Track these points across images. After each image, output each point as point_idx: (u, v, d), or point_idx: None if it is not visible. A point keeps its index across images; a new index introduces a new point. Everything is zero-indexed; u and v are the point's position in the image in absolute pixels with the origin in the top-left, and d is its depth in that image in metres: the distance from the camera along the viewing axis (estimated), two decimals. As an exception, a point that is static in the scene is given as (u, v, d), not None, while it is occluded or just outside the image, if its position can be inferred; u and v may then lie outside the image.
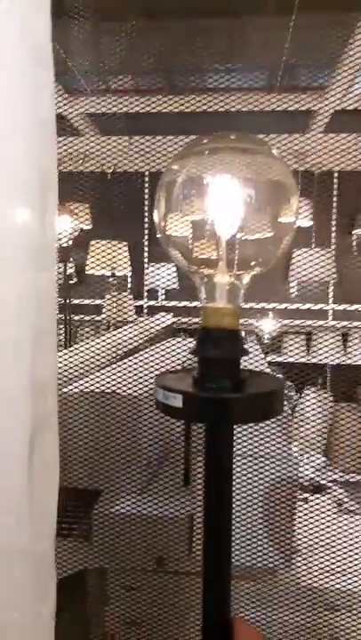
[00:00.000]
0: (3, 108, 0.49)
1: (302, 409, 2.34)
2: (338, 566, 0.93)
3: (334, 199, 3.12)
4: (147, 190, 3.16)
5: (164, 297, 3.18)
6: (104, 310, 2.71)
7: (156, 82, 3.10)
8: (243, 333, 0.60)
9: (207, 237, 0.58)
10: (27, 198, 0.50)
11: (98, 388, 0.97)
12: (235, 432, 0.59)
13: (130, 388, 0.96)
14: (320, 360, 3.10)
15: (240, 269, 0.59)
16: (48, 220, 0.51)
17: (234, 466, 0.59)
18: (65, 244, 2.04)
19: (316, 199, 2.98)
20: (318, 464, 1.57)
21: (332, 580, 0.92)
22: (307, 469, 1.44)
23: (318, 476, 1.43)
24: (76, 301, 3.07)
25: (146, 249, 3.26)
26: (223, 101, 2.87)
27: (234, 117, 2.54)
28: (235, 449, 0.58)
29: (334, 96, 2.48)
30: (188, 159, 0.59)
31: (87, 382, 1.04)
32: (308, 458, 1.60)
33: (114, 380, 1.02)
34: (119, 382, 1.01)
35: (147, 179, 3.19)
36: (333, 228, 3.10)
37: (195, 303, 3.25)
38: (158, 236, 0.60)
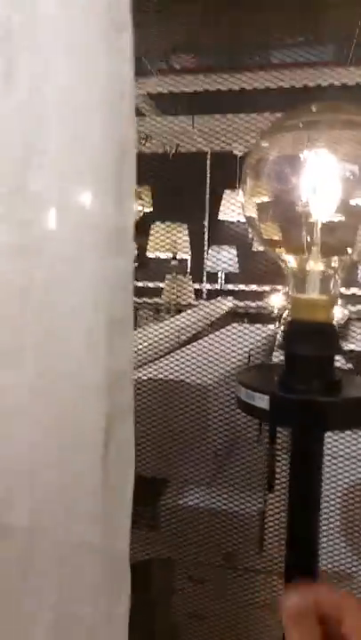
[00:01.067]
0: (82, 76, 0.46)
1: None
2: None
3: None
4: (208, 171, 3.09)
5: (223, 280, 3.13)
6: (164, 293, 2.69)
7: (219, 60, 3.01)
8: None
9: (301, 220, 0.53)
10: (105, 178, 0.47)
11: (165, 375, 0.95)
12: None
13: (197, 377, 0.93)
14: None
15: (335, 255, 0.53)
16: (126, 202, 0.48)
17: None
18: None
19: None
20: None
21: None
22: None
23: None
24: (137, 284, 3.06)
25: (206, 232, 3.20)
26: (289, 77, 2.75)
27: (301, 93, 2.42)
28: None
29: None
30: (278, 135, 0.54)
31: (152, 369, 1.01)
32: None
33: (180, 367, 0.99)
34: (186, 370, 0.98)
35: (208, 159, 3.13)
36: None
37: (253, 287, 3.17)
38: (245, 216, 0.56)
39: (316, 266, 0.53)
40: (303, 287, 0.54)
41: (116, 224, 0.48)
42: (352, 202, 0.52)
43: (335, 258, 0.54)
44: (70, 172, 0.47)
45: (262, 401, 0.50)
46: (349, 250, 0.54)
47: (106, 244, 0.48)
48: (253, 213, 0.55)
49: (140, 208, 2.60)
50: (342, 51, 2.73)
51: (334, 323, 0.52)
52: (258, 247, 2.72)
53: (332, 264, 0.54)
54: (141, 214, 2.42)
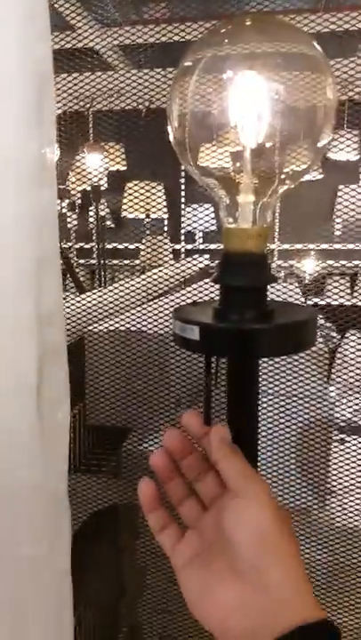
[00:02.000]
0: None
1: (344, 353, 2.27)
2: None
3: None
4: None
5: (201, 240, 3.11)
6: (140, 254, 2.67)
7: (192, 9, 2.90)
8: (280, 273, 0.54)
9: (229, 145, 0.51)
10: (23, 108, 0.45)
11: (125, 326, 0.95)
12: (266, 369, 0.55)
13: (157, 327, 0.93)
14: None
15: (267, 184, 0.52)
16: (47, 133, 0.46)
17: (266, 405, 0.55)
18: (96, 183, 1.99)
19: (363, 131, 2.77)
20: (358, 405, 1.52)
21: (368, 522, 0.89)
22: (345, 411, 1.39)
23: (357, 417, 1.38)
24: (113, 246, 3.04)
25: (183, 190, 3.15)
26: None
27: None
28: (267, 388, 0.54)
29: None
30: (202, 52, 0.52)
31: (115, 322, 1.01)
32: (347, 399, 1.55)
33: (142, 319, 0.99)
34: (147, 321, 0.98)
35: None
36: (383, 162, 2.89)
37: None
38: (171, 140, 0.54)
39: (246, 195, 0.52)
40: (235, 217, 0.53)
41: (37, 155, 0.47)
42: (281, 125, 0.51)
43: (268, 185, 0.52)
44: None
45: (194, 332, 0.50)
46: (282, 176, 0.53)
47: (28, 177, 0.47)
48: (181, 136, 0.53)
49: (114, 166, 2.55)
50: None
51: (266, 253, 0.51)
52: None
53: (264, 192, 0.52)
54: (113, 175, 2.37)
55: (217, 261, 0.53)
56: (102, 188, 2.21)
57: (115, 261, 3.01)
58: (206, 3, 2.86)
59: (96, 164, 1.87)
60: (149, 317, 1.01)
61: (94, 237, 2.83)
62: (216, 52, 0.49)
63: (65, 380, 0.54)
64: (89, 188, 2.39)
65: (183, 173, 3.12)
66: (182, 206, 3.14)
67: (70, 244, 2.75)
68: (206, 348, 0.49)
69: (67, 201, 2.21)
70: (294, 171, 0.52)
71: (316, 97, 0.49)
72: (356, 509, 0.88)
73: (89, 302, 1.08)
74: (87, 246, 2.98)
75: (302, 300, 2.05)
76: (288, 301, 0.57)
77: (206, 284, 1.50)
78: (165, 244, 2.75)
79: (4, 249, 0.48)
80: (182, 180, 3.15)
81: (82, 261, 3.04)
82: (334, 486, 0.87)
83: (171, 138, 0.52)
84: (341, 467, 0.91)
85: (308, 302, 2.62)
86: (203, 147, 0.52)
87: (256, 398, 0.53)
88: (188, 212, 3.09)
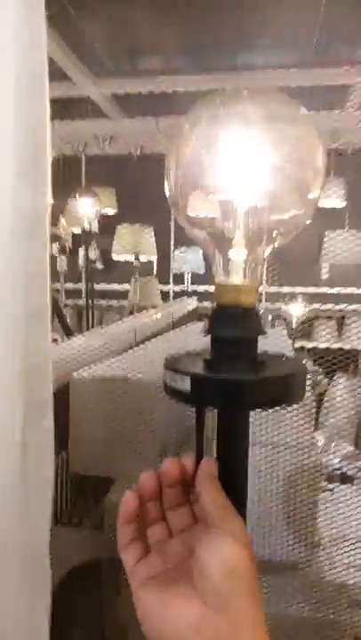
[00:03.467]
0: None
1: (332, 396, 2.27)
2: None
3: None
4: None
5: (190, 282, 3.13)
6: (129, 294, 2.68)
7: (184, 62, 3.02)
8: (268, 317, 0.54)
9: (223, 207, 0.52)
10: (20, 164, 0.45)
11: (110, 373, 0.94)
12: (253, 417, 0.54)
13: (141, 373, 0.92)
14: (352, 346, 3.00)
15: (258, 241, 0.53)
16: (41, 187, 0.47)
17: (253, 454, 0.54)
18: (87, 227, 2.01)
19: (350, 178, 2.86)
20: (347, 453, 1.51)
21: (356, 576, 0.86)
22: (334, 458, 1.38)
23: (346, 465, 1.37)
24: (104, 286, 3.05)
25: (172, 233, 3.20)
26: (254, 79, 2.77)
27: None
28: (254, 437, 0.53)
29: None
30: (199, 117, 0.54)
31: (102, 367, 1.00)
32: (335, 446, 1.54)
33: (128, 365, 0.98)
34: (133, 368, 0.97)
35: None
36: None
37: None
38: (168, 196, 0.55)
39: (238, 251, 0.53)
40: (227, 272, 0.53)
41: (30, 209, 0.47)
42: (275, 189, 0.52)
43: (259, 243, 0.53)
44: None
45: (184, 383, 0.49)
46: (274, 234, 0.54)
47: (20, 230, 0.47)
48: (177, 196, 0.54)
49: (105, 209, 2.59)
50: (305, 52, 2.77)
51: (256, 306, 0.52)
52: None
53: (256, 249, 0.53)
54: (105, 216, 2.40)
55: (207, 304, 0.53)
56: (93, 230, 2.23)
57: (103, 302, 3.01)
58: (197, 57, 2.99)
59: (88, 209, 1.89)
60: (136, 363, 1.01)
61: (83, 278, 2.84)
62: (212, 116, 0.51)
63: (50, 436, 0.52)
64: (79, 231, 2.42)
65: (173, 216, 3.17)
66: (172, 248, 3.18)
67: (59, 284, 2.76)
68: (198, 399, 0.49)
69: (57, 244, 2.23)
70: (285, 229, 0.53)
71: (305, 159, 0.51)
72: (345, 563, 0.85)
73: (75, 347, 1.07)
74: (76, 287, 2.99)
75: (290, 343, 2.05)
76: (277, 353, 0.57)
77: (195, 324, 1.50)
78: (154, 285, 2.77)
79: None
80: (172, 223, 3.20)
81: (70, 302, 3.04)
82: (322, 539, 0.85)
83: (167, 192, 0.53)
84: (330, 518, 0.89)
85: (296, 345, 2.64)
86: (196, 204, 0.53)
87: (247, 450, 0.52)
88: (178, 255, 3.12)
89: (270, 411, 0.81)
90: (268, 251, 0.55)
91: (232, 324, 0.51)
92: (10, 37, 0.46)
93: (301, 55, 2.85)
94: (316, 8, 2.26)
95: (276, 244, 0.54)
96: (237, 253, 0.53)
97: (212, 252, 0.54)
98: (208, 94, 0.53)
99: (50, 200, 0.51)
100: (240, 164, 0.51)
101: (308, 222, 0.56)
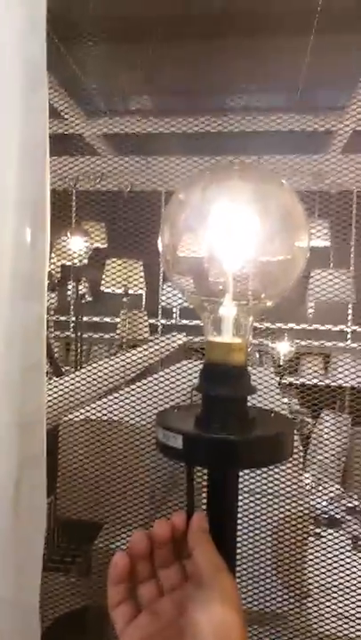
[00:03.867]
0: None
1: (319, 433, 2.28)
2: (354, 611, 0.88)
3: (353, 219, 3.07)
4: (163, 210, 3.15)
5: (178, 316, 3.15)
6: (118, 328, 2.69)
7: (174, 103, 3.11)
8: (255, 354, 0.56)
9: (213, 269, 0.55)
10: (16, 222, 0.47)
11: (99, 416, 0.94)
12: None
13: (132, 418, 0.93)
14: (339, 382, 3.02)
15: (247, 301, 0.55)
16: (39, 247, 0.49)
17: (240, 504, 0.55)
18: (77, 264, 2.03)
19: (334, 219, 2.94)
20: (334, 495, 1.51)
21: (346, 628, 0.86)
22: (321, 501, 1.38)
23: (333, 508, 1.37)
24: (92, 319, 3.05)
25: (161, 268, 3.24)
26: (240, 122, 2.86)
27: (252, 138, 2.52)
28: (240, 485, 0.54)
29: (354, 116, 2.45)
30: (192, 189, 0.57)
31: (91, 410, 1.01)
32: (323, 488, 1.54)
33: (118, 407, 0.99)
34: (123, 410, 0.98)
35: (163, 198, 3.19)
36: (352, 249, 3.05)
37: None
38: (162, 265, 0.58)
39: (229, 311, 0.55)
40: (217, 330, 0.55)
41: (29, 270, 0.49)
42: (261, 254, 0.55)
43: (248, 303, 0.56)
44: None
45: (177, 441, 0.50)
46: (262, 296, 0.56)
47: (17, 288, 0.49)
48: (170, 258, 0.56)
49: (95, 244, 2.62)
50: (291, 97, 2.87)
51: (247, 365, 0.54)
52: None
53: (245, 309, 0.56)
54: (95, 250, 2.43)
55: (198, 342, 0.55)
56: (83, 263, 2.25)
57: (92, 334, 3.01)
58: (188, 98, 3.08)
59: (79, 246, 1.92)
60: (126, 405, 1.01)
61: (72, 312, 2.85)
62: (204, 189, 0.54)
63: (42, 488, 0.53)
64: (68, 263, 2.43)
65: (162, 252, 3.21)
66: (160, 282, 3.21)
67: (47, 317, 2.76)
68: (190, 457, 0.50)
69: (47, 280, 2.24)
70: (272, 292, 0.55)
71: (290, 231, 0.54)
72: (334, 614, 0.85)
73: (65, 389, 1.07)
74: (64, 319, 2.99)
75: (277, 380, 2.07)
76: (266, 409, 0.58)
77: (183, 369, 1.51)
78: (143, 318, 2.78)
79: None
80: (161, 258, 3.24)
81: (58, 334, 3.04)
82: (311, 589, 0.85)
83: (160, 249, 0.56)
84: (318, 565, 0.89)
85: (283, 381, 2.65)
86: (188, 266, 0.56)
87: (236, 507, 0.53)
88: (166, 289, 3.15)
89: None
90: (256, 310, 0.57)
91: (223, 383, 0.53)
92: (14, 112, 0.48)
93: (287, 100, 2.95)
94: (301, 55, 2.36)
95: (265, 305, 0.57)
96: (227, 313, 0.55)
97: (201, 312, 0.57)
98: (200, 170, 0.57)
99: (47, 259, 0.53)
100: (229, 234, 0.54)
101: (292, 285, 0.59)
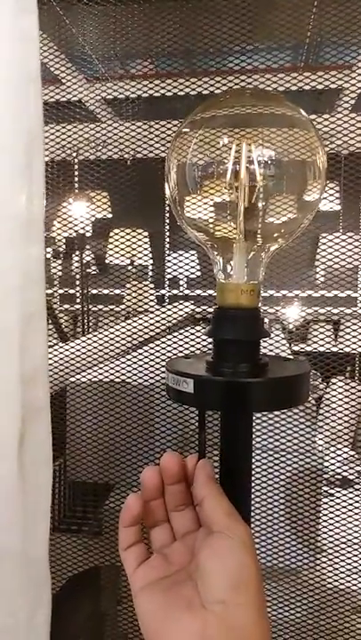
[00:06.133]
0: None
1: (329, 400, 2.27)
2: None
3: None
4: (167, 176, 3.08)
5: (185, 286, 3.12)
6: (124, 300, 2.67)
7: (176, 65, 3.02)
8: (265, 320, 0.54)
9: (224, 209, 0.52)
10: (10, 166, 0.44)
11: (107, 377, 0.92)
12: (253, 422, 0.53)
13: (141, 378, 0.91)
14: (349, 349, 3.00)
15: (260, 243, 0.52)
16: (34, 190, 0.46)
17: (253, 460, 0.53)
18: (82, 231, 2.00)
19: (344, 182, 2.87)
20: (346, 457, 1.50)
21: (359, 581, 0.85)
22: (333, 463, 1.37)
23: (345, 470, 1.36)
24: (98, 291, 3.03)
25: (167, 237, 3.20)
26: (245, 82, 2.78)
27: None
28: (253, 442, 0.52)
29: (362, 73, 2.37)
30: (200, 122, 0.53)
31: (99, 372, 0.99)
32: (334, 451, 1.53)
33: (126, 369, 0.97)
34: (131, 371, 0.96)
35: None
36: (362, 212, 2.98)
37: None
38: (170, 208, 0.55)
39: (240, 252, 0.52)
40: (229, 273, 0.53)
41: (26, 213, 0.46)
42: (273, 190, 0.52)
43: (260, 244, 0.53)
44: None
45: (188, 385, 0.48)
46: (275, 235, 0.53)
47: (16, 235, 0.46)
48: (177, 194, 0.53)
49: (99, 214, 2.58)
50: (297, 56, 2.78)
51: (259, 307, 0.51)
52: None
53: (257, 250, 0.53)
54: (99, 222, 2.39)
55: (203, 311, 0.53)
56: (87, 235, 2.22)
57: (98, 307, 3.00)
58: (189, 60, 3.00)
59: (81, 213, 1.88)
60: (134, 368, 0.99)
61: (78, 284, 2.82)
62: (211, 118, 0.50)
63: (48, 442, 0.51)
64: (73, 235, 2.40)
65: (168, 221, 3.17)
66: (166, 253, 3.17)
67: (53, 290, 2.74)
68: (201, 401, 0.48)
69: (51, 248, 2.21)
70: (285, 230, 0.52)
71: (305, 158, 0.50)
72: (347, 569, 0.84)
73: (71, 352, 1.06)
74: (70, 292, 2.97)
75: (287, 347, 2.05)
76: (279, 355, 0.56)
77: (191, 332, 1.49)
78: (149, 290, 2.76)
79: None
80: (167, 228, 3.20)
81: (65, 307, 3.03)
82: (324, 545, 0.84)
83: (167, 194, 0.53)
84: (331, 523, 0.88)
85: (294, 348, 2.63)
86: (197, 204, 0.53)
87: (250, 453, 0.51)
88: (173, 259, 3.12)
89: (269, 414, 0.80)
90: (269, 252, 0.54)
91: (234, 326, 0.50)
92: (2, 39, 0.45)
93: (292, 58, 2.86)
94: (306, 12, 2.27)
95: (277, 245, 0.54)
96: (239, 254, 0.52)
97: (212, 253, 0.54)
98: (209, 97, 0.53)
99: (44, 201, 0.50)
100: (240, 166, 0.51)
101: (308, 222, 0.56)
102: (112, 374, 0.95)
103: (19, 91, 0.46)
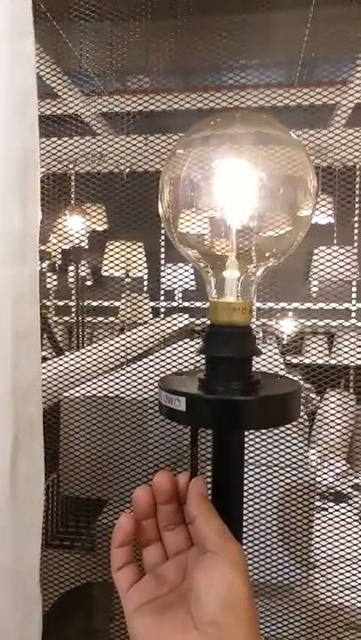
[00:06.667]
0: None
1: (323, 412, 2.27)
2: (360, 582, 0.87)
3: (357, 195, 3.03)
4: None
5: (181, 298, 3.13)
6: (119, 311, 2.67)
7: (172, 81, 3.05)
8: (259, 333, 0.54)
9: (217, 228, 0.52)
10: (4, 181, 0.45)
11: (101, 392, 0.92)
12: (246, 436, 0.54)
13: (135, 392, 0.91)
14: (343, 361, 3.01)
15: (252, 261, 0.53)
16: (29, 207, 0.47)
17: (245, 475, 0.53)
18: (78, 245, 2.00)
19: (338, 196, 2.89)
20: (339, 471, 1.50)
21: (353, 598, 0.85)
22: (327, 476, 1.37)
23: (339, 484, 1.36)
24: (93, 304, 3.03)
25: (162, 250, 3.21)
26: (241, 97, 2.81)
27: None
28: (245, 457, 0.53)
29: (356, 89, 2.40)
30: (194, 142, 0.54)
31: (92, 386, 0.99)
32: (328, 464, 1.53)
33: (120, 383, 0.97)
34: (125, 386, 0.96)
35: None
36: (356, 225, 3.01)
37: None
38: (163, 226, 0.55)
39: (233, 270, 0.53)
40: (221, 291, 0.53)
41: (19, 230, 0.47)
42: (265, 209, 0.53)
43: (252, 262, 0.54)
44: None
45: (180, 403, 0.49)
46: (267, 254, 0.54)
47: (8, 252, 0.46)
48: (170, 215, 0.54)
49: (94, 227, 2.59)
50: (293, 72, 2.82)
51: (252, 325, 0.52)
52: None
53: (250, 268, 0.54)
54: (95, 233, 2.40)
55: (201, 324, 0.53)
56: (84, 248, 2.23)
57: (93, 319, 3.00)
58: (185, 76, 3.03)
59: (77, 226, 1.89)
60: (128, 382, 0.99)
61: (73, 296, 2.82)
62: (205, 138, 0.51)
63: (40, 457, 0.51)
64: (69, 248, 2.41)
65: (163, 233, 3.19)
66: (162, 265, 3.19)
67: (49, 301, 2.75)
68: (193, 419, 0.49)
69: (47, 262, 2.22)
70: (277, 249, 0.53)
71: (297, 176, 0.51)
72: (340, 585, 0.84)
73: (66, 366, 1.05)
74: (66, 304, 2.98)
75: (281, 360, 2.05)
76: (271, 372, 0.57)
77: (186, 343, 1.49)
78: (145, 301, 2.76)
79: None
80: (162, 240, 3.21)
81: (60, 319, 3.03)
82: (317, 560, 0.84)
83: (160, 211, 0.54)
84: (324, 538, 0.88)
85: (288, 362, 2.63)
86: (190, 222, 0.53)
87: (242, 470, 0.52)
88: (168, 271, 3.13)
89: (265, 430, 0.81)
90: (261, 270, 0.55)
91: (227, 344, 0.51)
92: (1, 55, 0.46)
93: (287, 74, 2.90)
94: (301, 29, 2.31)
95: (269, 264, 0.55)
96: (231, 272, 0.53)
97: (204, 272, 0.54)
98: (202, 118, 0.54)
99: (39, 218, 0.50)
100: (233, 185, 0.52)
101: (299, 241, 0.57)
102: (106, 389, 0.95)
103: (15, 108, 0.46)
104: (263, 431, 0.81)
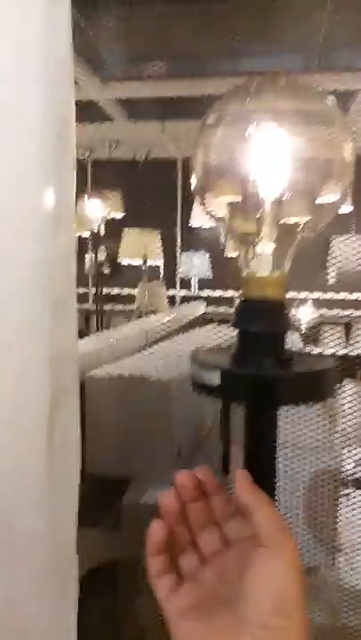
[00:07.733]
0: (15, 50, 0.44)
1: (341, 402, 2.26)
2: None
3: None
4: (180, 177, 3.09)
5: (197, 286, 3.13)
6: (136, 299, 2.67)
7: (189, 67, 3.02)
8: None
9: (250, 200, 0.52)
10: (42, 156, 0.45)
11: (126, 372, 0.93)
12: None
13: (159, 373, 0.91)
14: (360, 352, 2.98)
15: (286, 234, 0.52)
16: (66, 179, 0.46)
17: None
18: (96, 230, 2.01)
19: (356, 184, 2.85)
20: (358, 459, 1.49)
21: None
22: (348, 464, 1.36)
23: (358, 471, 1.35)
24: (111, 291, 3.04)
25: (179, 237, 3.20)
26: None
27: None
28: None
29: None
30: (226, 106, 0.53)
31: (116, 367, 0.99)
32: (348, 451, 1.52)
33: (141, 365, 0.97)
34: (146, 368, 0.96)
35: (179, 165, 3.13)
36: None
37: (229, 293, 3.17)
38: (194, 188, 0.54)
39: (266, 243, 0.52)
40: (254, 265, 0.53)
41: (56, 203, 0.46)
42: (301, 179, 0.52)
43: (285, 235, 0.53)
44: (6, 150, 0.45)
45: (214, 377, 0.48)
46: (300, 227, 0.53)
47: (45, 224, 0.46)
48: (204, 185, 0.53)
49: (111, 213, 2.59)
50: (310, 58, 2.77)
51: (285, 300, 0.51)
52: (231, 253, 2.75)
53: (283, 242, 0.53)
54: (111, 220, 2.40)
55: (218, 311, 0.53)
56: (101, 233, 2.23)
57: (110, 307, 3.01)
58: (201, 62, 3.00)
59: (96, 211, 1.89)
60: (149, 364, 1.00)
61: (90, 283, 2.83)
62: (240, 107, 0.50)
63: (76, 425, 0.52)
64: (85, 234, 2.41)
65: (179, 221, 3.18)
66: (178, 253, 3.18)
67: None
68: (227, 393, 0.48)
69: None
70: (312, 221, 0.52)
71: (333, 151, 0.50)
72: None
73: (87, 348, 1.06)
74: (82, 291, 2.98)
75: (301, 348, 2.04)
76: (304, 351, 0.56)
77: (205, 331, 1.49)
78: (161, 289, 2.76)
79: (20, 291, 0.47)
80: (178, 228, 3.20)
81: (77, 306, 3.04)
82: (343, 544, 0.83)
83: (193, 186, 0.53)
84: (349, 523, 0.88)
85: (305, 351, 2.62)
86: (225, 195, 0.53)
87: (275, 447, 0.51)
88: (185, 259, 3.12)
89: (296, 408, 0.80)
90: (295, 244, 0.54)
91: (260, 318, 0.50)
92: (37, 23, 0.45)
93: (305, 60, 2.85)
94: (320, 14, 2.27)
95: (302, 236, 0.54)
96: (265, 246, 0.52)
97: (240, 244, 0.54)
98: (238, 85, 0.53)
99: (74, 185, 0.50)
100: (269, 157, 0.51)
101: (334, 214, 0.56)
102: (129, 370, 0.95)
103: (51, 76, 0.46)
104: (292, 412, 0.80)
